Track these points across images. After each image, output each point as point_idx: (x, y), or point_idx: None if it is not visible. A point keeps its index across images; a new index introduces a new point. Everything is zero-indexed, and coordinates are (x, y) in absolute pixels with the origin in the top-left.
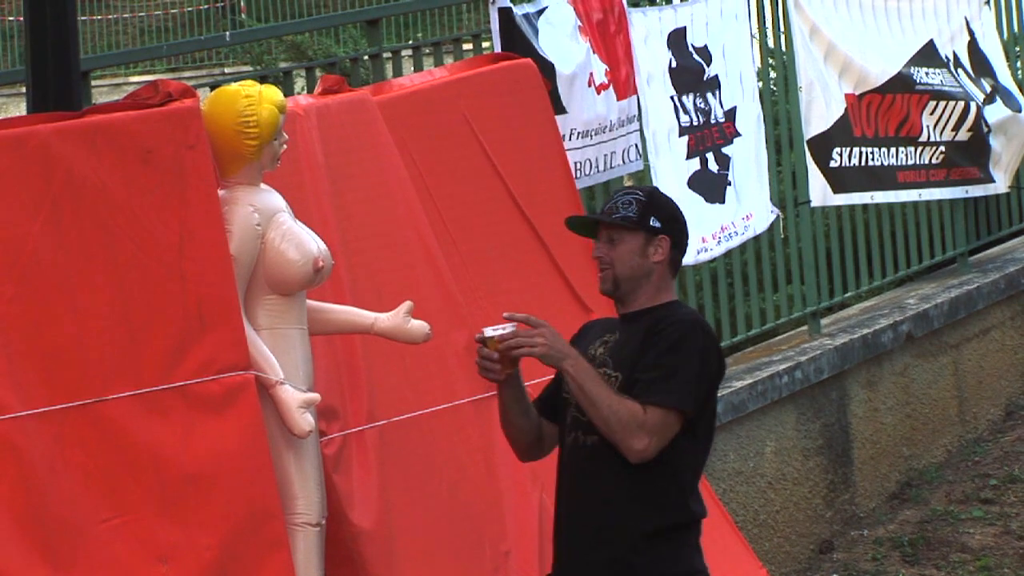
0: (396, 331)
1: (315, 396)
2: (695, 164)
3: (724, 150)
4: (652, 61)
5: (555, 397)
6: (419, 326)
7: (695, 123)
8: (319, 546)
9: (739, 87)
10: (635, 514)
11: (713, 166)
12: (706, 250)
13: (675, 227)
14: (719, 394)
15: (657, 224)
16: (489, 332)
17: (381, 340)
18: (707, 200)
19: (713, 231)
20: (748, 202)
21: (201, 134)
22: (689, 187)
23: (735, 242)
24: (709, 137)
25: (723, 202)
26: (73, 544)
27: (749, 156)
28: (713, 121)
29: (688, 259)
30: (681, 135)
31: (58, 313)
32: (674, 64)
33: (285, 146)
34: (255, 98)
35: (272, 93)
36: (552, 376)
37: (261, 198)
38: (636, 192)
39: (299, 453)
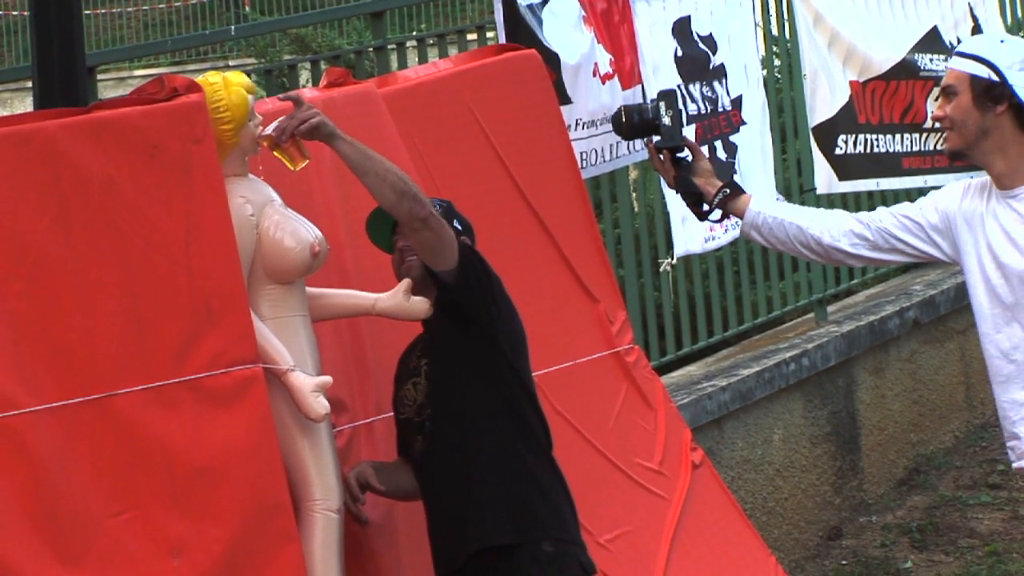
0: (397, 309)
1: (327, 379)
2: (704, 152)
3: (731, 138)
4: (658, 50)
5: (401, 432)
6: (419, 301)
7: (703, 111)
8: (339, 533)
9: (744, 75)
10: (493, 471)
11: (721, 154)
12: (713, 239)
13: (471, 235)
14: (725, 383)
15: (458, 227)
16: (266, 132)
17: (387, 331)
18: None
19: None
20: (754, 190)
21: (207, 128)
22: None
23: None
24: (716, 125)
25: None
26: (84, 539)
27: (755, 144)
28: (720, 109)
29: (695, 248)
30: (689, 123)
31: (67, 308)
32: (680, 53)
33: (261, 127)
34: (220, 83)
35: (237, 76)
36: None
37: (251, 189)
38: (436, 199)
39: (314, 439)
